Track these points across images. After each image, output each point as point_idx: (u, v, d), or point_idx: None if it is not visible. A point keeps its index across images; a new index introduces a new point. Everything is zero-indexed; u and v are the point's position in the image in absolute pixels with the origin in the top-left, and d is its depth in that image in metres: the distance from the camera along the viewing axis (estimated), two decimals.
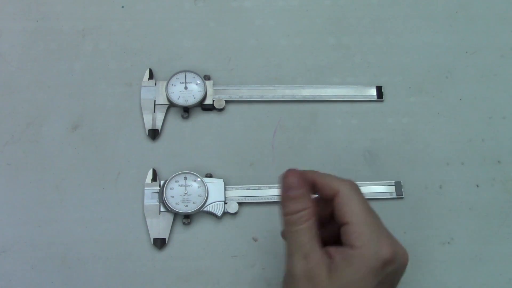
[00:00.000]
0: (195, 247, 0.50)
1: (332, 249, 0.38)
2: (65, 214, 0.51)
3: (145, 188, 0.51)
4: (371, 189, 0.52)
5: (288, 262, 0.39)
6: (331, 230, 0.40)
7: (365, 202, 0.39)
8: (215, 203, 0.51)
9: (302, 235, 0.38)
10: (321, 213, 0.40)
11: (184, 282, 0.49)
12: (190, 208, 0.50)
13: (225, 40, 0.58)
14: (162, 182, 0.51)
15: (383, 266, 0.37)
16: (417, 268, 0.50)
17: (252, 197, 0.51)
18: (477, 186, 0.53)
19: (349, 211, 0.38)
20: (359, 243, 0.37)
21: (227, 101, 0.55)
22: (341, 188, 0.39)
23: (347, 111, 0.56)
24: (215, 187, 0.51)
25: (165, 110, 0.54)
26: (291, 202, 0.39)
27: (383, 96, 0.56)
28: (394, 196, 0.52)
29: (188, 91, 0.54)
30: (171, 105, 0.54)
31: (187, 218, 0.51)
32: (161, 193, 0.51)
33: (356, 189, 0.39)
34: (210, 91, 0.55)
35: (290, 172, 0.40)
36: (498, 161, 0.54)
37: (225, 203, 0.51)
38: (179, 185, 0.51)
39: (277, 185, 0.52)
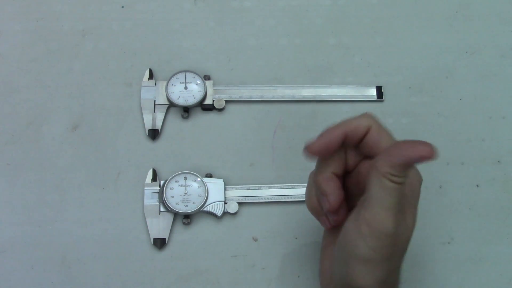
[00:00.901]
0: (195, 247, 0.50)
1: None
2: (65, 214, 0.51)
3: (145, 188, 0.51)
4: None
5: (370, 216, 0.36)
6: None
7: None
8: (215, 203, 0.51)
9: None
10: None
11: (184, 282, 0.49)
12: (190, 208, 0.50)
13: (225, 40, 0.58)
14: (162, 182, 0.51)
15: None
16: (417, 268, 0.50)
17: (252, 197, 0.51)
18: (477, 186, 0.53)
19: (385, 139, 0.38)
20: None
21: (227, 101, 0.55)
22: (370, 123, 0.39)
23: (347, 111, 0.56)
24: (215, 187, 0.51)
25: (165, 110, 0.54)
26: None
27: (383, 96, 0.56)
28: None
29: (188, 91, 0.54)
30: (171, 105, 0.54)
31: (187, 218, 0.51)
32: (161, 193, 0.51)
33: (376, 118, 0.40)
34: (210, 91, 0.55)
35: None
36: (498, 161, 0.54)
37: (225, 203, 0.51)
38: (179, 185, 0.51)
39: (277, 185, 0.52)
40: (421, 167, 0.54)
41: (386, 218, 0.35)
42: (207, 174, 0.52)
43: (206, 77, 0.55)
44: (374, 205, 0.35)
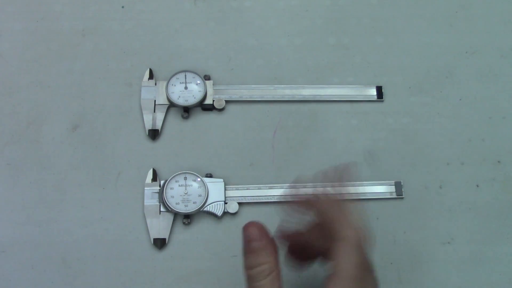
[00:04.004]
0: (195, 247, 0.50)
1: None
2: (65, 214, 0.51)
3: (145, 188, 0.51)
4: (371, 189, 0.52)
5: None
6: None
7: (364, 259, 0.36)
8: (215, 203, 0.51)
9: None
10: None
11: (184, 282, 0.49)
12: (190, 208, 0.50)
13: (225, 40, 0.58)
14: (162, 182, 0.51)
15: None
16: (417, 268, 0.50)
17: (252, 197, 0.51)
18: (477, 186, 0.53)
19: (343, 263, 0.35)
20: None
21: (227, 101, 0.55)
22: (348, 234, 0.36)
23: (347, 111, 0.56)
24: (215, 187, 0.51)
25: (165, 110, 0.54)
26: (252, 255, 0.38)
27: (383, 96, 0.56)
28: (394, 196, 0.52)
29: (188, 91, 0.54)
30: (171, 105, 0.54)
31: (187, 218, 0.51)
32: (161, 193, 0.51)
33: (360, 242, 0.36)
34: (210, 91, 0.55)
35: (250, 223, 0.38)
36: (498, 161, 0.54)
37: (225, 203, 0.51)
38: (179, 185, 0.51)
39: (277, 185, 0.52)
40: (421, 167, 0.54)
41: None
42: (207, 174, 0.52)
43: (206, 77, 0.55)
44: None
